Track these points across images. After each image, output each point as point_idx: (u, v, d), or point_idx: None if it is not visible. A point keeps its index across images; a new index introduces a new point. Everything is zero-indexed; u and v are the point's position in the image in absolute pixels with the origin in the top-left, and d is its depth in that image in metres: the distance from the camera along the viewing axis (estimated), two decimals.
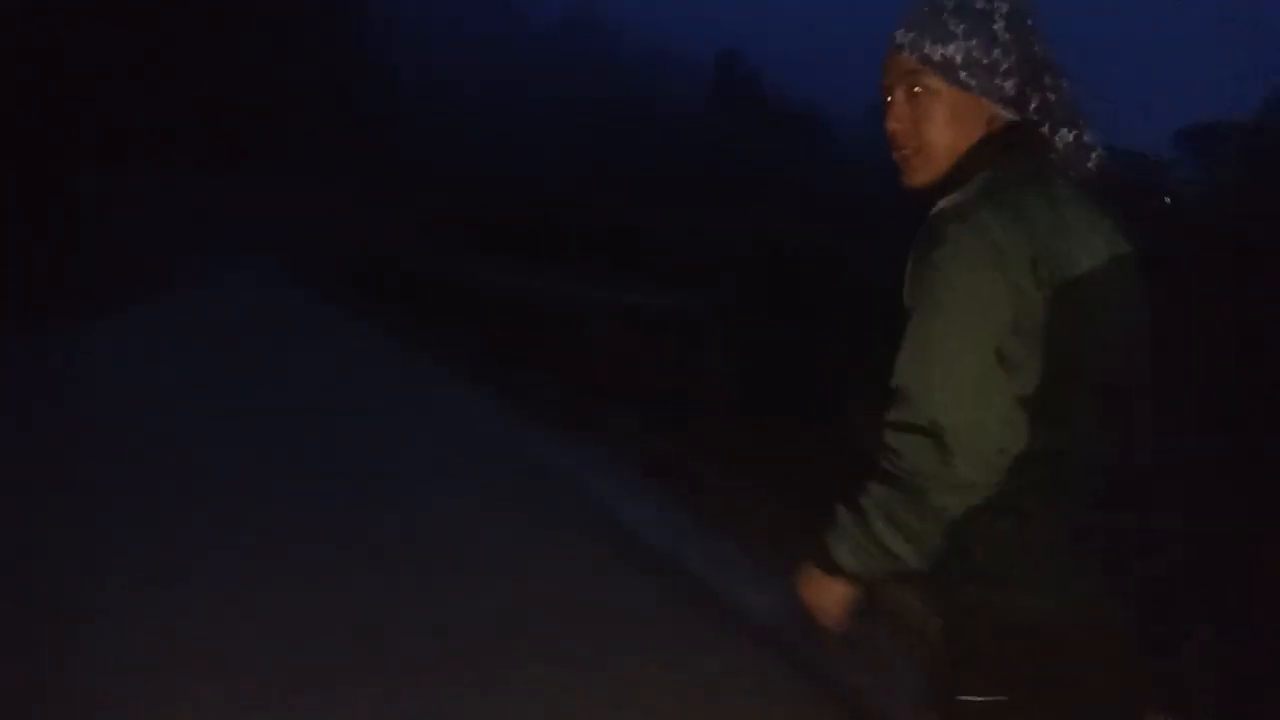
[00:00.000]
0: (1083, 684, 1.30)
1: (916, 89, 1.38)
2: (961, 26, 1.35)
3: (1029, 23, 1.40)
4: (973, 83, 1.36)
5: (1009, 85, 1.38)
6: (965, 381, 1.25)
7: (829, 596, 1.43)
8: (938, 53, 1.36)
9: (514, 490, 5.09)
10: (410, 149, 33.79)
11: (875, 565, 1.34)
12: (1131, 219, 1.46)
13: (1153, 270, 1.44)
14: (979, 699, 1.31)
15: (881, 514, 1.30)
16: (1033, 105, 1.41)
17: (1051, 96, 1.42)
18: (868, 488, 1.33)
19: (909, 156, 1.42)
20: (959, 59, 1.35)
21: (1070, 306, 1.26)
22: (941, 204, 1.32)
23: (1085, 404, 1.29)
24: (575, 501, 4.96)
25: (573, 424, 6.63)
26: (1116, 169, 1.45)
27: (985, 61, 1.36)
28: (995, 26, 1.36)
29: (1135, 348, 1.39)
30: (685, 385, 6.34)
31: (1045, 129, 1.42)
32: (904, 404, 1.29)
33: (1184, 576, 1.45)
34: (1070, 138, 1.43)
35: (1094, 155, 1.45)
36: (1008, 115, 1.40)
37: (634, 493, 5.18)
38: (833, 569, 1.38)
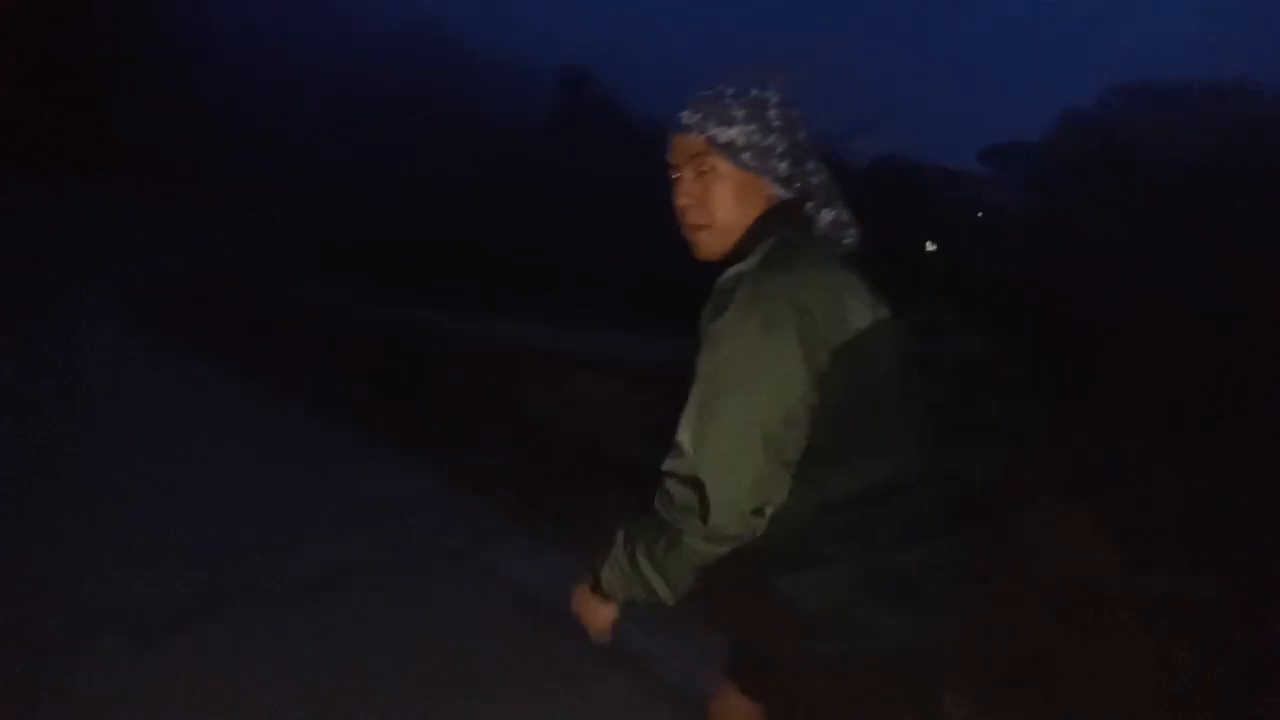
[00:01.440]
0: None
1: (704, 169, 1.48)
2: (741, 112, 1.46)
3: (795, 112, 1.51)
4: (753, 163, 1.47)
5: (782, 166, 1.49)
6: (732, 442, 1.33)
7: (595, 614, 1.55)
8: (722, 135, 1.46)
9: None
10: (240, 170, 33.18)
11: (634, 594, 1.46)
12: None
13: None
14: None
15: (644, 549, 1.41)
16: (799, 186, 1.53)
17: (814, 180, 1.54)
18: (639, 524, 1.43)
19: (699, 232, 1.51)
20: (740, 141, 1.46)
21: (849, 365, 1.36)
22: (729, 271, 1.41)
23: (871, 453, 1.40)
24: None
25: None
26: (859, 248, 1.58)
27: (763, 144, 1.47)
28: (769, 113, 1.48)
29: (908, 402, 1.48)
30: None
31: (810, 208, 1.56)
32: (678, 456, 1.37)
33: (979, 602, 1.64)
34: (831, 216, 1.56)
35: (850, 233, 1.58)
36: (784, 193, 1.51)
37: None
38: (599, 590, 1.51)
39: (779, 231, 1.47)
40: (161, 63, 35.33)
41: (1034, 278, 24.30)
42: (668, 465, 1.39)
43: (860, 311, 1.40)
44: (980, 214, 33.37)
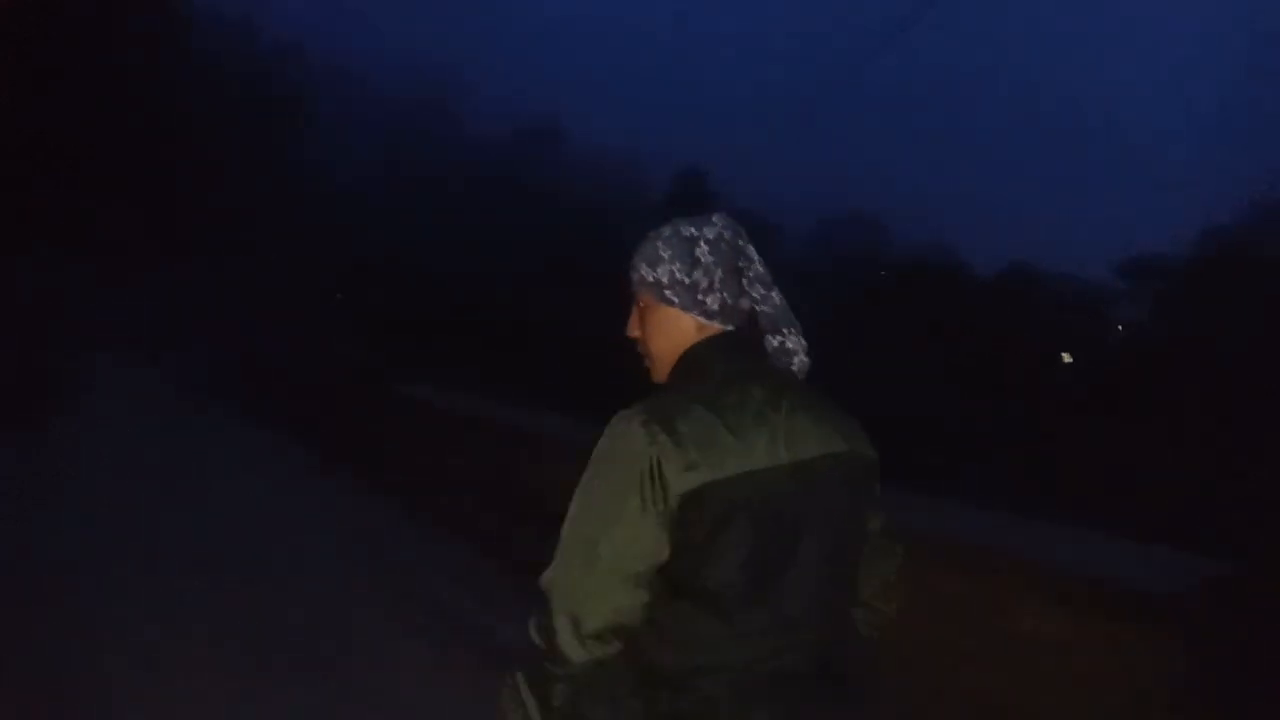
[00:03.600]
0: None
1: (641, 304, 1.62)
2: (668, 252, 1.57)
3: (740, 244, 1.59)
4: (675, 299, 1.56)
5: (710, 300, 1.55)
6: (567, 570, 1.41)
7: None
8: (649, 275, 1.58)
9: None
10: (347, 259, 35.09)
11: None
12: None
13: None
14: None
15: (524, 676, 1.42)
16: (746, 314, 1.59)
17: (761, 307, 1.61)
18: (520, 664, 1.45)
19: (646, 360, 1.65)
20: (665, 280, 1.56)
21: (721, 506, 1.37)
22: (627, 409, 1.46)
23: (750, 600, 1.40)
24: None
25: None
26: (806, 372, 1.62)
27: (686, 281, 1.55)
28: (698, 251, 1.56)
29: (816, 538, 1.46)
30: None
31: (758, 334, 1.61)
32: (547, 593, 1.42)
33: None
34: (776, 343, 1.61)
35: (796, 359, 1.61)
36: (715, 325, 1.57)
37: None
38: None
39: (698, 364, 1.55)
40: (294, 164, 37.45)
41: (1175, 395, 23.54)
42: (540, 603, 1.43)
43: (750, 453, 1.42)
44: (1120, 327, 32.60)
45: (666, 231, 1.60)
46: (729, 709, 1.39)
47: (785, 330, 1.61)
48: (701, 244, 1.57)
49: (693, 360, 1.56)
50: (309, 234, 35.79)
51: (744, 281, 1.58)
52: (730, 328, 1.58)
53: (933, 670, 3.97)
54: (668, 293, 1.56)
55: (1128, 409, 24.50)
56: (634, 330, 1.64)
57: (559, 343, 29.14)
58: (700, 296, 1.55)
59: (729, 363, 1.55)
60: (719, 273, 1.56)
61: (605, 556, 1.38)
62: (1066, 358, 29.56)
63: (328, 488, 8.50)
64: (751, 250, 1.61)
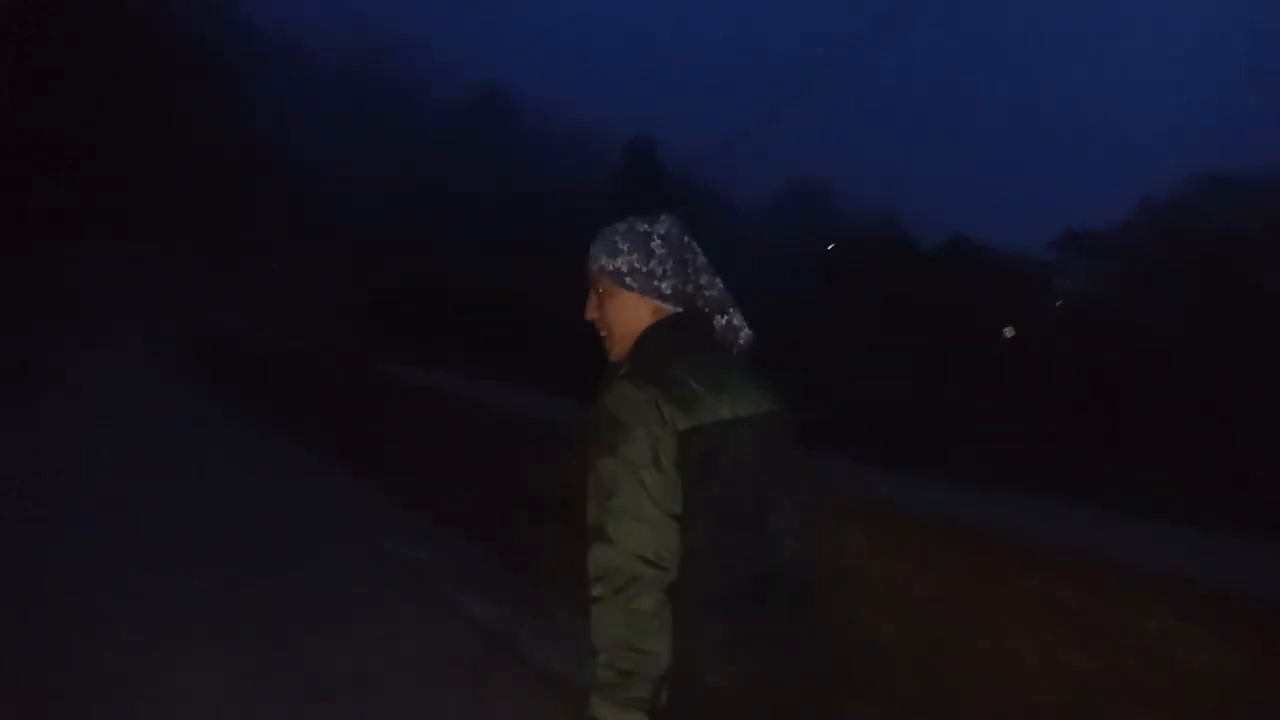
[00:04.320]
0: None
1: (600, 289, 1.89)
2: (626, 244, 1.85)
3: (685, 239, 1.90)
4: (635, 285, 1.84)
5: (665, 285, 1.84)
6: (617, 520, 1.63)
7: None
8: (610, 265, 1.85)
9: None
10: (305, 237, 34.81)
11: (634, 690, 1.57)
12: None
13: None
14: None
15: (606, 641, 1.58)
16: (692, 298, 1.89)
17: (707, 292, 1.91)
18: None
19: (604, 339, 1.91)
20: (624, 269, 1.84)
21: (707, 445, 1.67)
22: (620, 370, 1.77)
23: (732, 537, 1.70)
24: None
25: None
26: (754, 345, 1.95)
27: (643, 270, 1.84)
28: (653, 244, 1.86)
29: (773, 477, 1.78)
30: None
31: (708, 315, 1.91)
32: (596, 536, 1.65)
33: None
34: (724, 321, 1.92)
35: (742, 334, 1.93)
36: (669, 307, 1.86)
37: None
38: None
39: (662, 338, 1.82)
40: (236, 137, 36.95)
41: (1112, 368, 24.38)
42: (591, 551, 1.66)
43: (716, 407, 1.72)
44: (1059, 303, 33.37)
45: (622, 227, 1.88)
46: (723, 612, 1.67)
47: (730, 311, 1.90)
48: (655, 238, 1.85)
49: (653, 336, 1.83)
50: (257, 205, 35.46)
51: (690, 270, 1.88)
52: (681, 309, 1.86)
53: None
54: (628, 279, 1.84)
55: (1066, 382, 25.34)
56: (592, 313, 1.92)
57: (509, 315, 29.29)
58: (656, 282, 1.83)
59: (684, 337, 1.84)
60: (670, 262, 1.84)
61: (652, 491, 1.63)
62: (1009, 332, 30.17)
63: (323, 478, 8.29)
64: (695, 245, 1.91)
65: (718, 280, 1.92)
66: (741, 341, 1.92)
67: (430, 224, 36.29)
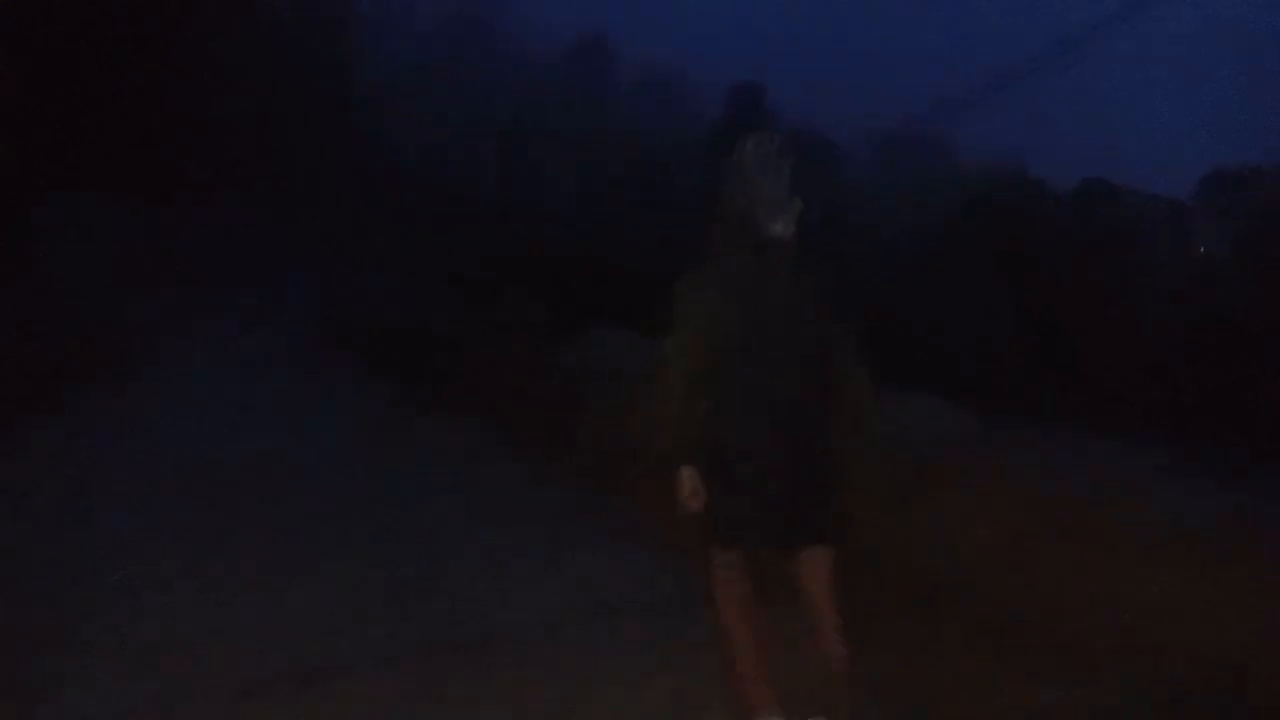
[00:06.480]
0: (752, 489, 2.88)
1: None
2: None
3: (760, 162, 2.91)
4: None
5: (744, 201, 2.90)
6: (676, 347, 2.92)
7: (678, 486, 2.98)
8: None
9: None
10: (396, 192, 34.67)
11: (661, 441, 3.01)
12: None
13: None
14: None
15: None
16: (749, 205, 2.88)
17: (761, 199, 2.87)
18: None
19: None
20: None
21: (739, 313, 2.85)
22: None
23: (750, 360, 2.87)
24: None
25: None
26: (800, 239, 2.92)
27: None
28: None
29: (789, 335, 2.88)
30: None
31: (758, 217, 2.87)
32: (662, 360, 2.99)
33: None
34: (774, 224, 2.85)
35: (786, 230, 2.87)
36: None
37: None
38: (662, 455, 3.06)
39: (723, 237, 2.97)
40: (323, 94, 37.24)
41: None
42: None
43: (776, 284, 2.89)
44: (1203, 249, 31.67)
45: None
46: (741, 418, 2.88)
47: (776, 213, 2.86)
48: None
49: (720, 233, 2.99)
50: (349, 158, 35.62)
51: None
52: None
53: None
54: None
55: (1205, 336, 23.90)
56: None
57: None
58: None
59: (744, 232, 2.89)
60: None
61: (679, 344, 2.92)
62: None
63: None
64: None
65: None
66: (785, 236, 2.90)
67: (528, 181, 36.02)
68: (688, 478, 2.93)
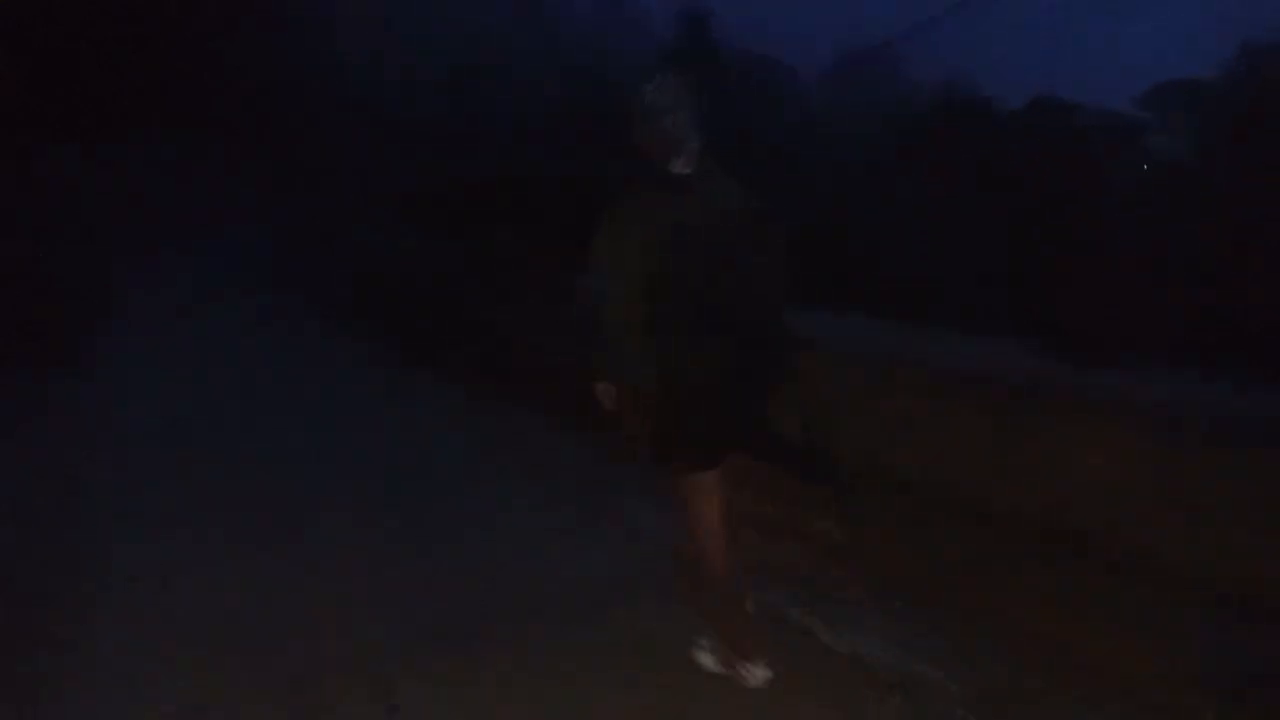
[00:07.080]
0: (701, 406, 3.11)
1: None
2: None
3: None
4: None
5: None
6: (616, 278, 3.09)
7: (602, 392, 3.33)
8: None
9: None
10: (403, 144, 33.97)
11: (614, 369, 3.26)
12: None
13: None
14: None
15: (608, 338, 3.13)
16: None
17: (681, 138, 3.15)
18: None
19: None
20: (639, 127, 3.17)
21: (671, 236, 3.01)
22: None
23: (685, 285, 3.06)
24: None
25: None
26: (719, 168, 3.23)
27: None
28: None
29: (720, 254, 3.08)
30: None
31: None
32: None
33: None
34: (675, 162, 3.14)
35: (685, 168, 3.15)
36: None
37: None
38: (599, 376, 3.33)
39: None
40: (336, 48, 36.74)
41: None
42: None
43: (706, 205, 3.10)
44: (1145, 167, 31.87)
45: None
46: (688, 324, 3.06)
47: (693, 149, 3.14)
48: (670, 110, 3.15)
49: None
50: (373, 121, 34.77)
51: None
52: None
53: None
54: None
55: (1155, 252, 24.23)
56: None
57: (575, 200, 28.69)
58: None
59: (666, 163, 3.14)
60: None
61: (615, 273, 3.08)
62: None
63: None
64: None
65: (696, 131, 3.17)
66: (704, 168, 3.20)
67: (484, 115, 35.58)
68: (603, 391, 3.31)
